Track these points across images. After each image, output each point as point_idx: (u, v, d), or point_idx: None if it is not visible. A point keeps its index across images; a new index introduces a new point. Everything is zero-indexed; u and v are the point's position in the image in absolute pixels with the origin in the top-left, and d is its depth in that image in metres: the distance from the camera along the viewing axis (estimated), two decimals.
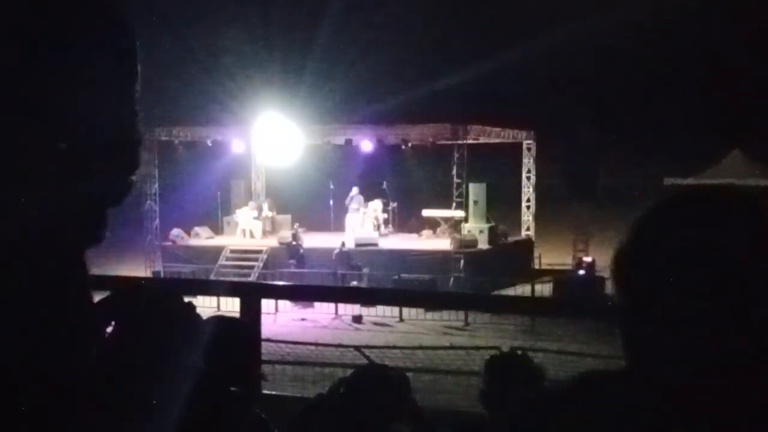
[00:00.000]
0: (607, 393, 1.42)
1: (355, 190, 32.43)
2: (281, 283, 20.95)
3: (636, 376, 1.34)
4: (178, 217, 32.53)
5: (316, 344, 17.31)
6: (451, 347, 17.87)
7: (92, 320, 1.42)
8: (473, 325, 22.77)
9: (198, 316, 1.56)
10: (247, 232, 32.20)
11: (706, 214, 1.31)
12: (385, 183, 33.68)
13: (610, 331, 1.41)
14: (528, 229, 33.58)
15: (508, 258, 29.76)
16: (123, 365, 1.40)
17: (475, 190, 30.36)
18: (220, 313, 3.55)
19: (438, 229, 31.98)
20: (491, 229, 30.08)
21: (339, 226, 32.64)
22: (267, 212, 33.58)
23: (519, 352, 4.79)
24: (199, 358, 1.58)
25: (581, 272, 27.46)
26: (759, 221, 1.30)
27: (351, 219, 32.00)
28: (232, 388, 2.51)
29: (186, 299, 1.50)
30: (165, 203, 32.51)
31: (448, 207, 30.15)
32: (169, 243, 31.44)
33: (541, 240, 34.16)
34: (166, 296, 1.50)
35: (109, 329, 1.47)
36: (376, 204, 32.59)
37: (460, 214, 29.56)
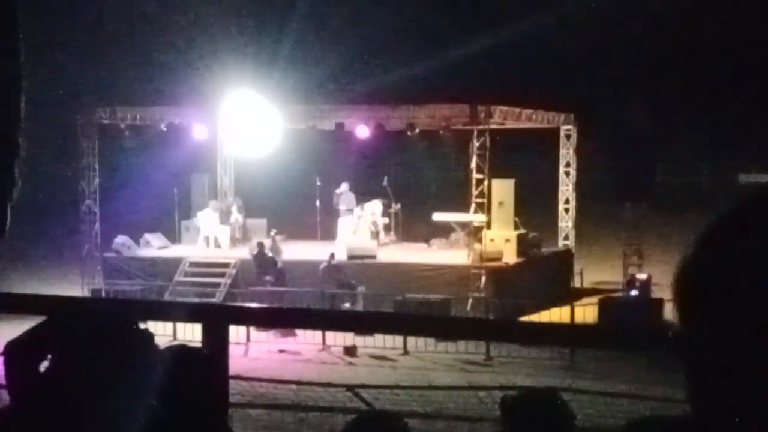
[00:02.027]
0: None
1: (344, 186, 32.47)
2: (254, 305, 20.95)
3: (702, 426, 1.33)
4: (124, 221, 32.52)
5: (299, 383, 17.33)
6: (470, 387, 17.88)
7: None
8: (497, 359, 22.77)
9: (156, 347, 1.58)
10: (211, 240, 32.19)
11: None
12: (386, 179, 33.71)
13: (671, 367, 1.41)
14: (567, 237, 33.58)
15: (542, 274, 29.73)
16: (59, 406, 1.42)
17: (500, 189, 30.35)
18: (176, 343, 3.55)
19: (453, 238, 31.98)
20: (520, 238, 30.07)
21: (327, 234, 32.65)
22: (236, 215, 33.60)
23: (542, 390, 4.73)
24: (154, 399, 1.61)
25: (634, 292, 27.45)
26: None
27: (342, 224, 32.03)
28: None
29: (141, 325, 1.52)
30: (107, 204, 32.51)
31: (466, 210, 30.15)
32: (113, 254, 31.43)
33: (584, 252, 34.17)
34: (114, 322, 1.52)
35: (45, 363, 1.50)
36: (375, 206, 32.59)
37: (480, 218, 29.57)
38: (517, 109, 31.45)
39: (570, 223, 33.54)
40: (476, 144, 29.14)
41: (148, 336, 1.57)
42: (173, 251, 32.16)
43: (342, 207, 32.19)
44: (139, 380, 1.58)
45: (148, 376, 1.60)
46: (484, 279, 27.95)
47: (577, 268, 32.54)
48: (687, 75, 51.34)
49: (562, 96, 35.50)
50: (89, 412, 1.50)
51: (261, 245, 29.10)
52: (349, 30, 44.95)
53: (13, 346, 1.62)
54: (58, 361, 1.54)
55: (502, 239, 29.70)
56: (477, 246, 28.97)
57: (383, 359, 23.20)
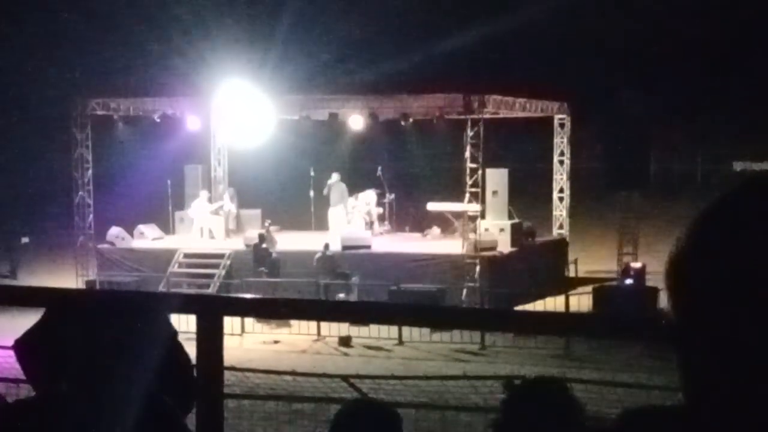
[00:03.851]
0: None
1: (334, 176, 32.47)
2: (248, 296, 20.94)
3: (696, 415, 1.33)
4: (118, 212, 32.50)
5: (293, 373, 17.30)
6: (465, 377, 17.89)
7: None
8: (492, 348, 22.80)
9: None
10: (206, 230, 32.18)
11: None
12: (379, 169, 33.71)
13: (665, 356, 1.41)
14: (561, 227, 33.61)
15: (536, 263, 29.76)
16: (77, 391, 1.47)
17: (495, 178, 30.37)
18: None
19: (447, 228, 32.00)
20: (514, 227, 30.09)
21: (321, 224, 32.66)
22: (230, 206, 33.58)
23: (550, 379, 4.59)
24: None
25: (628, 281, 27.49)
26: None
27: (333, 214, 32.04)
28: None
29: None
30: (101, 195, 32.49)
31: (460, 199, 30.15)
32: (107, 245, 31.42)
33: (578, 241, 34.20)
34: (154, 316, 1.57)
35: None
36: (369, 196, 32.59)
37: (475, 208, 29.57)
38: (511, 99, 31.44)
39: (564, 212, 33.57)
40: (470, 133, 29.10)
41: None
42: (167, 242, 32.15)
43: (334, 198, 32.19)
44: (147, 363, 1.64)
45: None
46: (478, 268, 27.97)
47: (571, 257, 32.57)
48: (681, 63, 51.36)
49: (555, 85, 35.53)
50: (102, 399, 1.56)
51: (261, 236, 29.06)
52: (342, 20, 44.92)
53: (20, 344, 1.66)
54: (71, 350, 1.60)
55: (496, 229, 29.73)
56: (471, 235, 28.98)
57: (378, 349, 23.21)
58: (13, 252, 33.03)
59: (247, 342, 22.96)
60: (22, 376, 2.24)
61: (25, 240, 33.45)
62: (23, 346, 1.83)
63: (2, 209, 34.43)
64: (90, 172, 31.71)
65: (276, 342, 23.84)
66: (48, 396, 2.02)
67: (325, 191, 32.42)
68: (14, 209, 35.30)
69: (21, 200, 35.96)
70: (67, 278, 29.82)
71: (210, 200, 32.93)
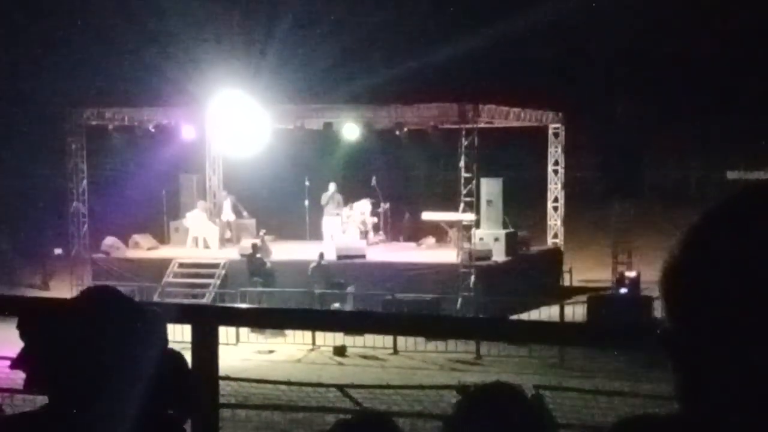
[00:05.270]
0: None
1: (332, 187, 32.48)
2: (244, 305, 20.93)
3: (692, 424, 1.33)
4: (113, 222, 32.46)
5: (289, 383, 17.28)
6: (460, 386, 17.87)
7: None
8: (487, 358, 22.77)
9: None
10: (200, 240, 32.15)
11: None
12: (374, 179, 33.68)
13: (660, 365, 1.41)
14: (555, 236, 33.62)
15: (531, 273, 29.74)
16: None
17: (489, 188, 30.38)
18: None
19: (442, 237, 31.99)
20: (509, 237, 30.09)
21: (316, 234, 32.63)
22: (228, 214, 33.54)
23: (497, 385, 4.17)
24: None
25: (623, 290, 27.47)
26: None
27: (328, 224, 32.02)
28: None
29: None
30: (96, 205, 32.44)
31: (455, 209, 30.16)
32: (101, 255, 31.38)
33: (573, 250, 34.17)
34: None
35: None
36: (364, 205, 32.59)
37: (469, 217, 29.57)
38: (506, 108, 31.47)
39: (559, 221, 33.58)
40: (465, 143, 29.12)
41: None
42: (162, 252, 32.11)
43: (331, 209, 32.17)
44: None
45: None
46: (473, 278, 27.96)
47: (566, 266, 32.57)
48: (675, 72, 51.41)
49: (550, 94, 35.51)
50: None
51: (255, 246, 29.03)
52: (337, 29, 44.90)
53: (31, 386, 1.68)
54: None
55: (491, 238, 29.72)
56: (466, 245, 28.97)
57: (373, 359, 23.18)
58: (46, 264, 33.00)
59: (242, 352, 22.93)
60: (18, 387, 2.25)
61: (58, 251, 33.42)
62: (23, 360, 1.85)
63: (31, 220, 34.38)
64: (84, 182, 31.69)
65: (271, 352, 23.80)
66: (47, 408, 2.02)
67: (323, 201, 32.39)
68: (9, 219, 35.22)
69: (15, 210, 35.86)
70: (60, 289, 29.76)
71: (207, 210, 32.89)
